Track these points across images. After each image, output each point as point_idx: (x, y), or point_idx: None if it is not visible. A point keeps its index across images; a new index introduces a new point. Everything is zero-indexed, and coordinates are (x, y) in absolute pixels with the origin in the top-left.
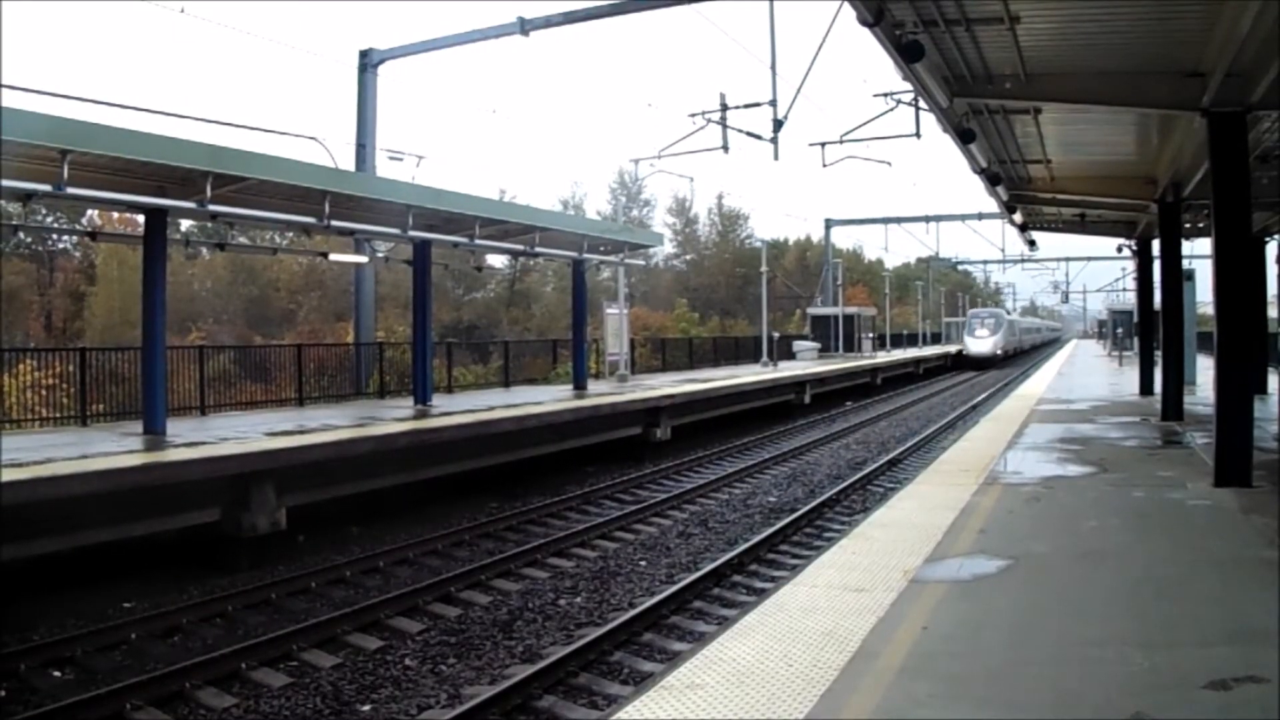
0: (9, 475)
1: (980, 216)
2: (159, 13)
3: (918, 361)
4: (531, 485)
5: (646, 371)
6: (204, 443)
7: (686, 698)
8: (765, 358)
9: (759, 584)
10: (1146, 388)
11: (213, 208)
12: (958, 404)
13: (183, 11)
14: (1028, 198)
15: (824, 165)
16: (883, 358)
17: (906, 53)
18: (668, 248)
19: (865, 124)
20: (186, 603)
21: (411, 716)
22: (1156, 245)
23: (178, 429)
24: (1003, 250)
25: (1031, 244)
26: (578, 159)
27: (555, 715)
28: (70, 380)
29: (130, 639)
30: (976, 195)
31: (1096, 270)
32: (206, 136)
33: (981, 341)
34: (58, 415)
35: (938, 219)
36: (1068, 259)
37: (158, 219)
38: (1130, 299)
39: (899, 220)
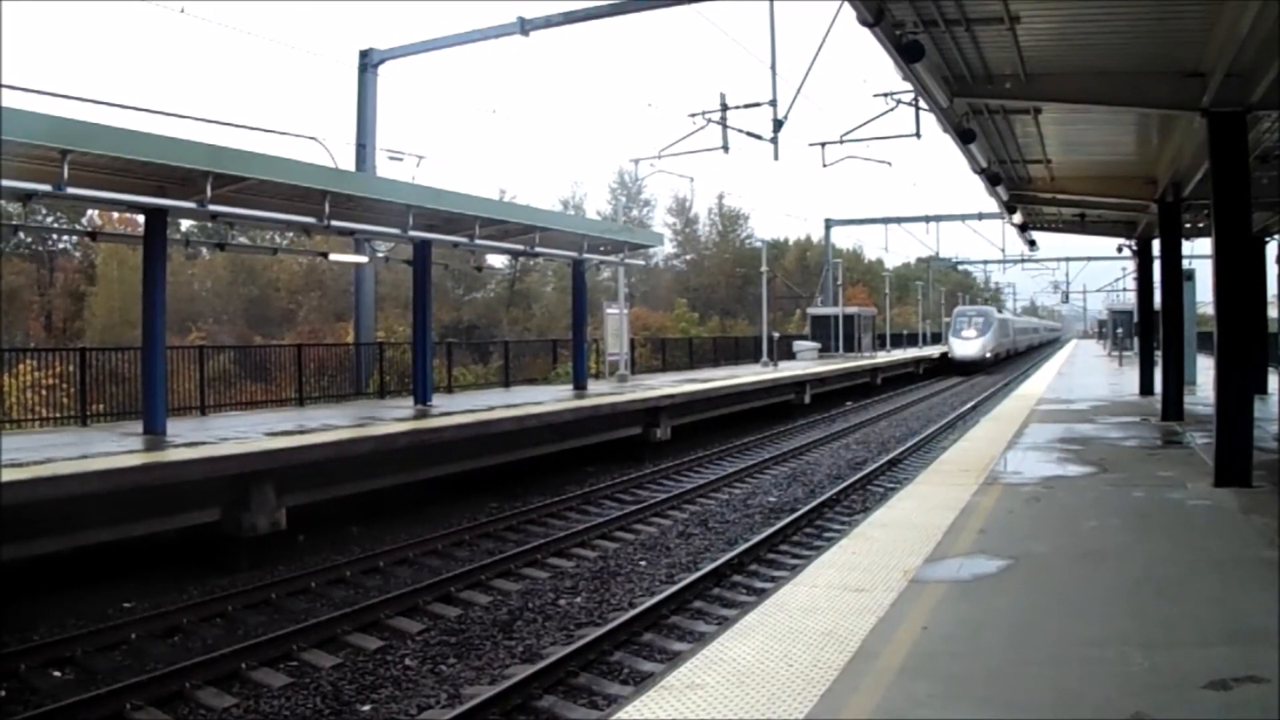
0: (9, 475)
1: (980, 216)
2: (159, 13)
3: (918, 361)
4: (531, 485)
5: (646, 371)
6: (204, 443)
7: (686, 698)
8: (765, 358)
9: (759, 584)
10: (1146, 388)
11: (213, 208)
12: (958, 404)
13: (183, 11)
14: (1028, 198)
15: (824, 165)
16: (883, 358)
17: (906, 53)
18: (668, 248)
19: (865, 124)
20: (186, 603)
21: (411, 716)
22: (1156, 245)
23: (178, 429)
24: (1003, 250)
25: (1031, 244)
26: (578, 159)
27: (555, 715)
28: (70, 380)
29: (130, 639)
30: (976, 195)
31: (1096, 270)
32: (206, 136)
33: (968, 343)
34: (58, 415)
35: (938, 219)
36: (1068, 259)
37: (158, 219)
38: (1130, 299)
39: (899, 220)
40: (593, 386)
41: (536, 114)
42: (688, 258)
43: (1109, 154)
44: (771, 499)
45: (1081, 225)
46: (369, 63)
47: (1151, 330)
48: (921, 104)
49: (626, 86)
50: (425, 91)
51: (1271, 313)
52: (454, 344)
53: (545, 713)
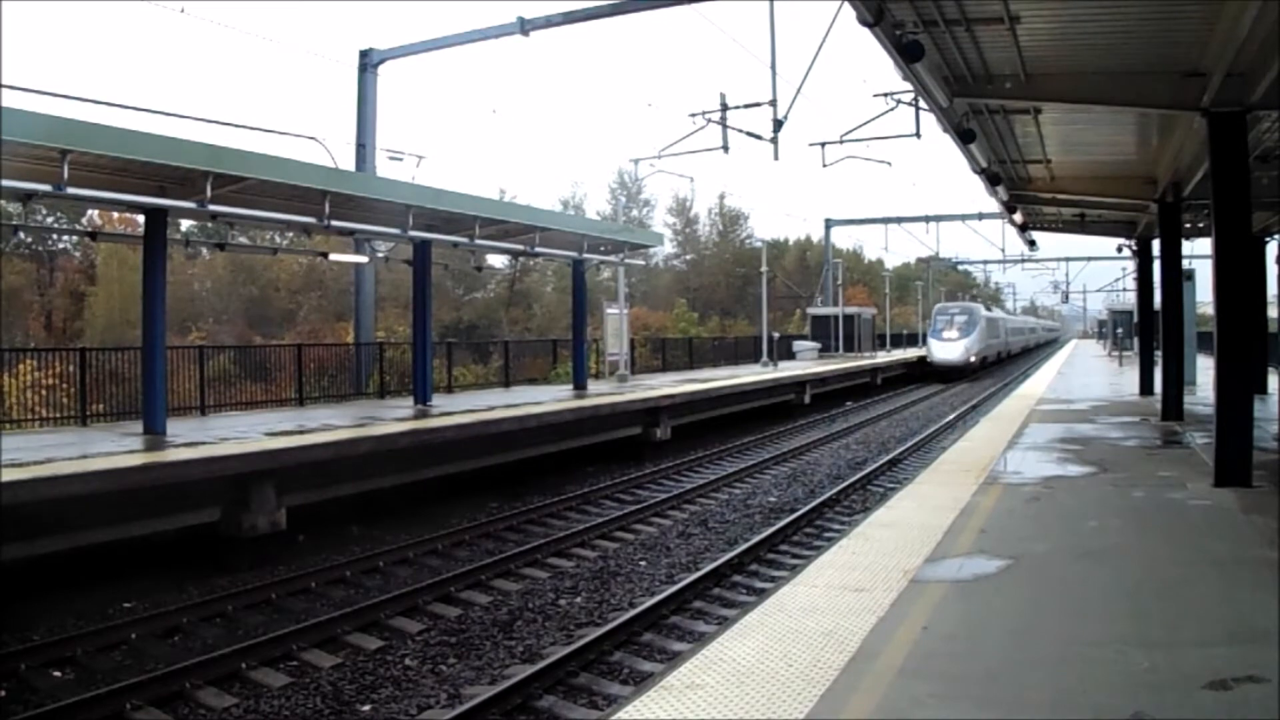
0: (9, 475)
1: (980, 216)
2: (159, 13)
3: (920, 360)
4: (531, 485)
5: (646, 371)
6: (204, 443)
7: (686, 698)
8: (765, 358)
9: (759, 584)
10: (1146, 388)
11: (213, 208)
12: (958, 404)
13: (183, 11)
14: (1028, 198)
15: (824, 165)
16: (883, 358)
17: (906, 53)
18: (668, 248)
19: (865, 124)
20: (186, 603)
21: (411, 716)
22: (1156, 245)
23: (178, 429)
24: (1003, 250)
25: (1031, 244)
26: (578, 159)
27: (555, 715)
28: (70, 380)
29: (130, 639)
30: (976, 195)
31: (1096, 270)
32: (206, 136)
33: (949, 345)
34: (58, 415)
35: (938, 219)
36: (1068, 259)
37: (158, 219)
38: (1130, 299)
39: (899, 220)
40: (593, 386)
41: (536, 114)
42: (688, 258)
43: (1109, 154)
44: (771, 499)
45: (1081, 225)
46: (369, 63)
47: (1151, 330)
48: (921, 104)
49: (626, 86)
50: (425, 91)
51: (1271, 313)
52: (454, 344)
53: (545, 713)
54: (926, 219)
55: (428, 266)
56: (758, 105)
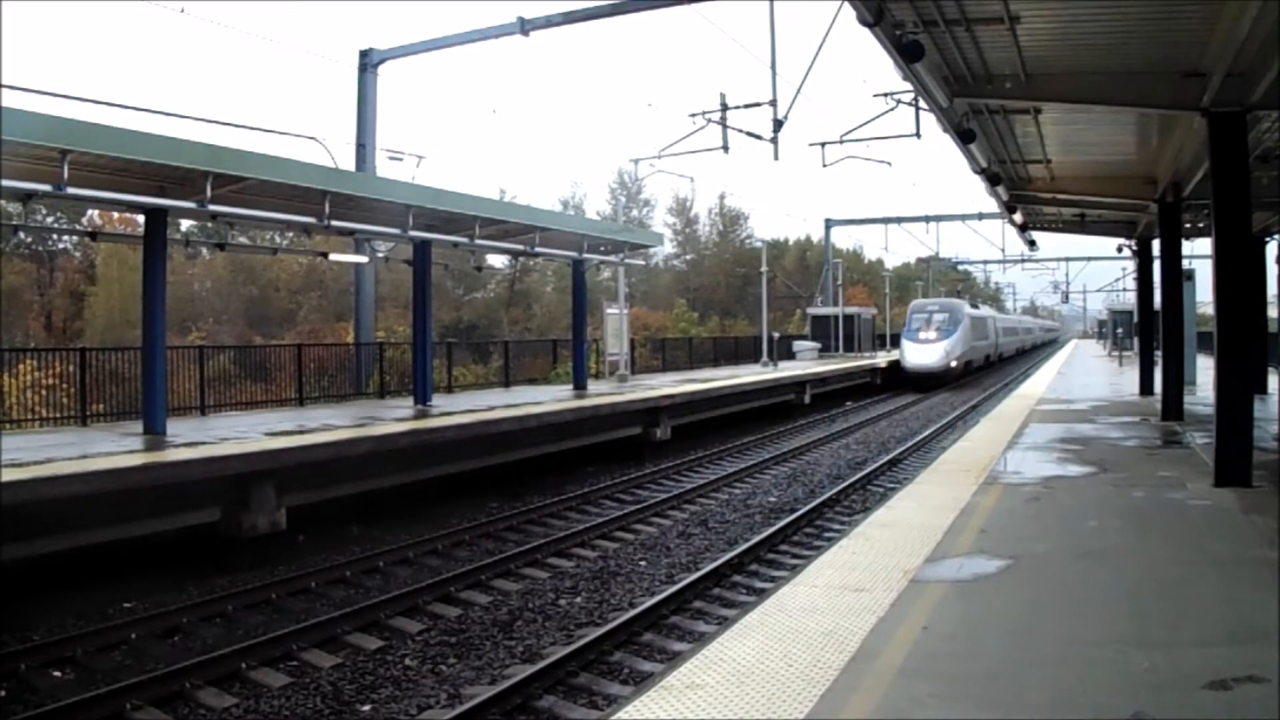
0: (9, 475)
1: (980, 216)
2: (159, 13)
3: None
4: (531, 485)
5: (646, 371)
6: (204, 443)
7: (686, 698)
8: (765, 358)
9: (759, 584)
10: (1146, 388)
11: (213, 208)
12: (958, 404)
13: (183, 11)
14: (1028, 198)
15: (824, 165)
16: (883, 357)
17: (906, 53)
18: (668, 248)
19: (865, 124)
20: (186, 603)
21: (411, 716)
22: (1156, 245)
23: (178, 429)
24: (1003, 250)
25: (1031, 244)
26: (578, 159)
27: (555, 715)
28: (70, 380)
29: (130, 639)
30: (976, 195)
31: (1096, 270)
32: (206, 136)
33: (925, 348)
34: (58, 415)
35: (938, 219)
36: (1068, 259)
37: (158, 219)
38: (1130, 299)
39: (899, 220)
40: (593, 386)
41: (536, 114)
42: (688, 258)
43: (1109, 154)
44: (771, 499)
45: (1081, 225)
46: (369, 63)
47: (1151, 330)
48: (921, 104)
49: (626, 86)
50: (425, 91)
51: (1271, 313)
52: (454, 344)
53: (545, 713)
54: (926, 219)
55: (428, 266)
56: (758, 105)
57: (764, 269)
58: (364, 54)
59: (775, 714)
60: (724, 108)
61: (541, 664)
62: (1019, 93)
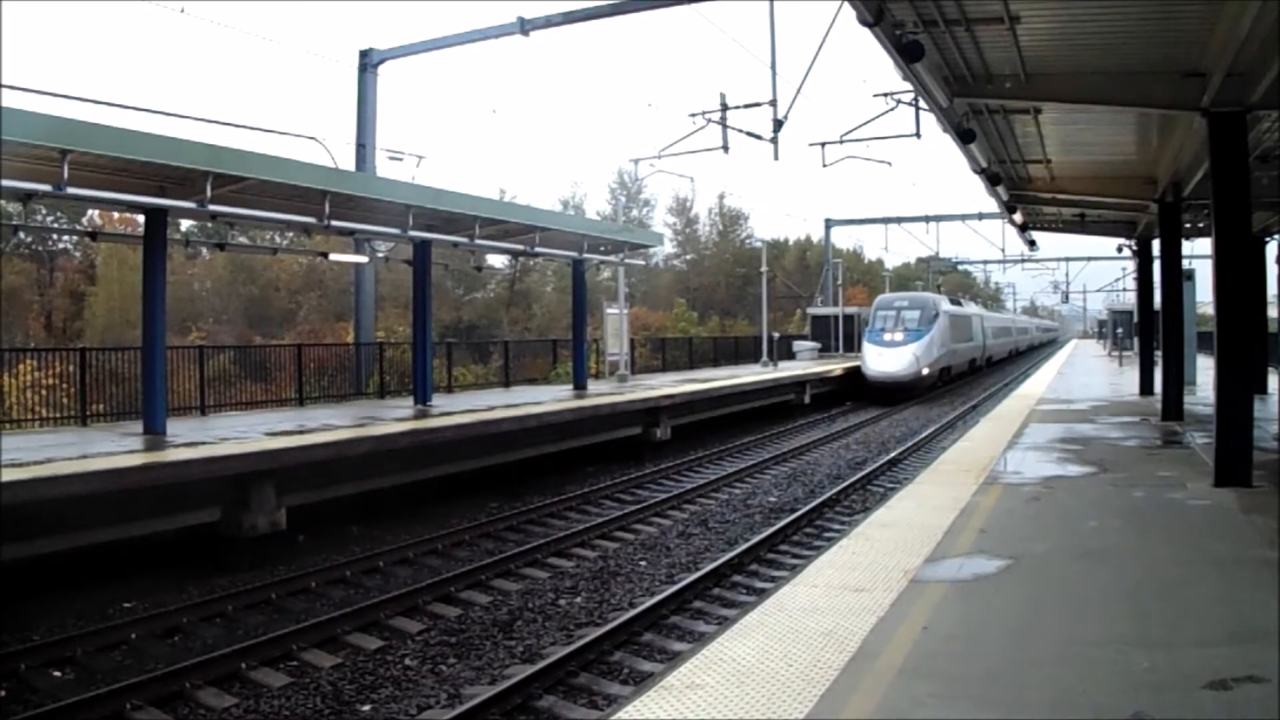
0: (9, 475)
1: (980, 216)
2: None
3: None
4: (531, 485)
5: (646, 371)
6: (204, 443)
7: (686, 698)
8: (765, 358)
9: (759, 584)
10: (1146, 388)
11: (213, 208)
12: (958, 404)
13: (183, 11)
14: (1028, 198)
15: (824, 165)
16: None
17: (906, 53)
18: (668, 248)
19: (865, 124)
20: (186, 603)
21: (411, 716)
22: (1156, 245)
23: (178, 429)
24: (1003, 250)
25: (1031, 244)
26: (578, 159)
27: (555, 715)
28: (70, 380)
29: (130, 639)
30: (976, 195)
31: (1096, 270)
32: (206, 136)
33: (890, 353)
34: (58, 415)
35: (938, 219)
36: (1068, 259)
37: (158, 219)
38: (1130, 299)
39: (899, 220)
40: (593, 386)
41: (536, 114)
42: (688, 258)
43: (1109, 154)
44: (771, 499)
45: (1081, 225)
46: (369, 63)
47: (1151, 330)
48: (921, 104)
49: (626, 86)
50: (425, 91)
51: (1271, 313)
52: (454, 344)
53: (545, 713)
54: (926, 219)
55: (428, 266)
56: (758, 105)
57: (764, 269)
58: (364, 54)
59: (775, 714)
60: (724, 108)
61: (541, 664)
62: (1019, 93)
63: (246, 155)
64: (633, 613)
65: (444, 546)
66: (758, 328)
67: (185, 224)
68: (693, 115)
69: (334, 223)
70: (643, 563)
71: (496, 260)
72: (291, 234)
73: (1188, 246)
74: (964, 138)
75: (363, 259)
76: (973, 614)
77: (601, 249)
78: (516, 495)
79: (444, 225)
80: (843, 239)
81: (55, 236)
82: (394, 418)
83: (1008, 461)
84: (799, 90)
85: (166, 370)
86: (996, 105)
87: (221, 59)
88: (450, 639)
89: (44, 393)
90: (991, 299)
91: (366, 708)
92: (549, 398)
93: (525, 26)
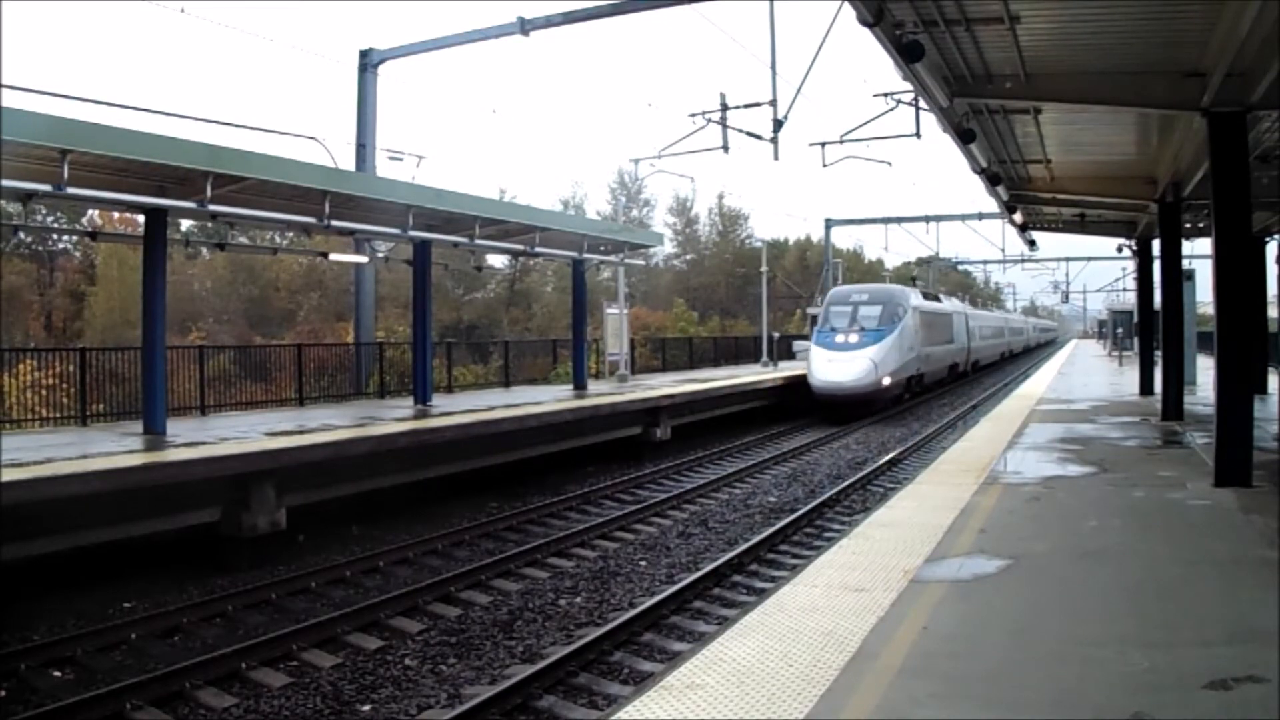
0: (9, 475)
1: (980, 216)
2: (159, 13)
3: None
4: (531, 485)
5: (646, 371)
6: (204, 443)
7: (686, 698)
8: (765, 357)
9: (759, 584)
10: (1146, 388)
11: (213, 208)
12: (958, 404)
13: (183, 11)
14: (1028, 198)
15: (824, 165)
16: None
17: (906, 53)
18: (668, 248)
19: (865, 124)
20: (186, 603)
21: (411, 716)
22: (1156, 245)
23: (178, 429)
24: (1003, 250)
25: (1031, 244)
26: (578, 159)
27: (555, 715)
28: (70, 380)
29: (130, 639)
30: (976, 195)
31: (1097, 270)
32: (206, 136)
33: (842, 359)
34: (58, 415)
35: (938, 219)
36: (1068, 259)
37: (158, 219)
38: (1130, 299)
39: (899, 220)
40: (593, 386)
41: (536, 114)
42: (688, 258)
43: (1109, 154)
44: (771, 499)
45: (1081, 225)
46: (369, 63)
47: (1151, 330)
48: (921, 104)
49: (626, 86)
50: (425, 91)
51: (1271, 313)
52: (454, 344)
53: (545, 713)
54: (926, 219)
55: (428, 266)
56: (758, 105)
57: (764, 269)
58: (364, 54)
59: (775, 714)
60: (724, 108)
61: (541, 664)
62: (1019, 93)
63: (246, 155)
64: (633, 613)
65: (444, 546)
66: (758, 328)
67: (185, 224)
68: (693, 115)
69: (334, 223)
70: (643, 563)
71: (496, 260)
72: (291, 234)
73: (1188, 246)
74: (964, 138)
75: (363, 259)
76: (973, 614)
77: (601, 249)
78: (516, 495)
79: (444, 225)
80: (843, 239)
81: (55, 236)
82: (394, 418)
83: (1008, 461)
84: (799, 90)
85: (166, 370)
86: (996, 105)
87: (221, 59)
88: (450, 639)
89: (44, 393)
90: (992, 299)
91: (366, 708)
92: (549, 398)
93: (525, 26)
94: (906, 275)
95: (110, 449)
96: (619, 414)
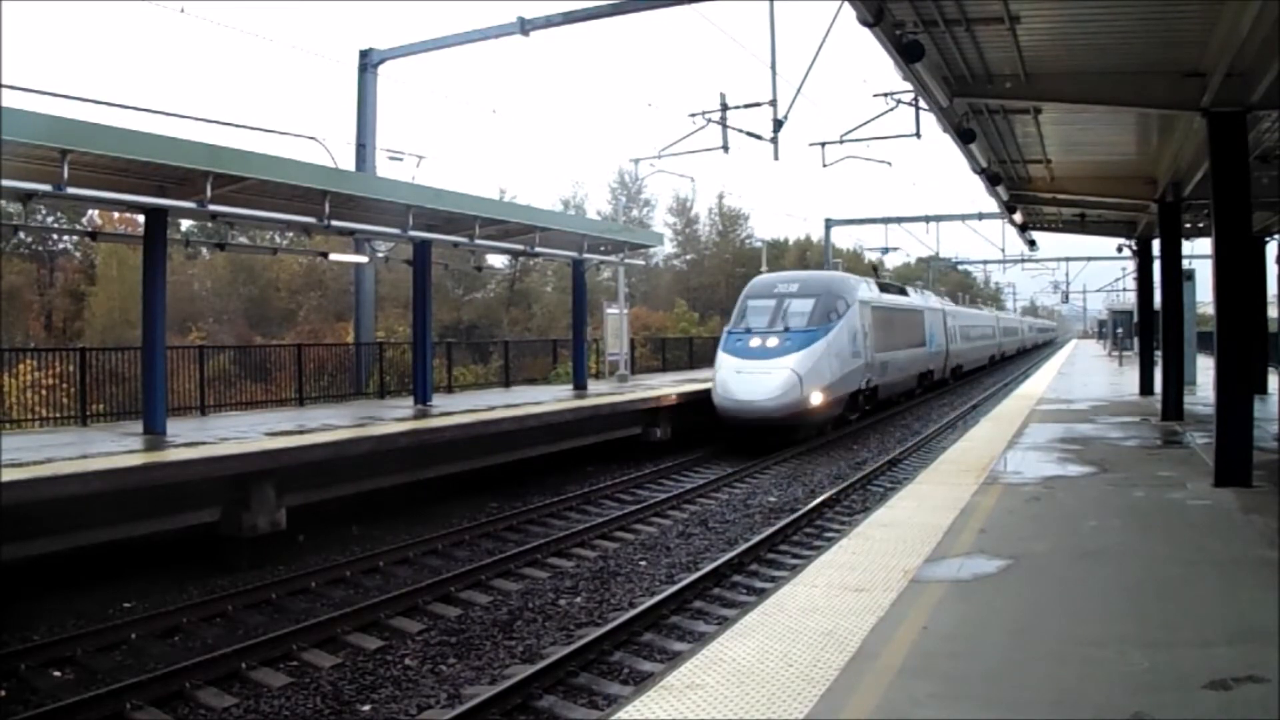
0: (9, 475)
1: (980, 216)
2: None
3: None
4: (531, 485)
5: (646, 371)
6: (204, 443)
7: (686, 698)
8: None
9: (759, 584)
10: (1146, 388)
11: (213, 208)
12: (958, 404)
13: (183, 11)
14: (1028, 198)
15: (824, 165)
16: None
17: (906, 53)
18: (668, 248)
19: (865, 124)
20: (186, 603)
21: (411, 716)
22: (1156, 245)
23: (178, 429)
24: (1003, 250)
25: (1031, 244)
26: (578, 159)
27: (555, 715)
28: (70, 380)
29: (130, 639)
30: (976, 195)
31: (1097, 270)
32: (206, 136)
33: (755, 371)
34: (58, 415)
35: (938, 219)
36: (1068, 259)
37: (158, 219)
38: (1130, 299)
39: (899, 220)
40: (593, 386)
41: (536, 114)
42: (688, 258)
43: (1109, 154)
44: (771, 499)
45: (1081, 225)
46: (369, 63)
47: (1151, 330)
48: (921, 104)
49: (626, 86)
50: (425, 91)
51: (1271, 313)
52: (454, 344)
53: (545, 713)
54: (926, 219)
55: (428, 266)
56: (758, 105)
57: (764, 269)
58: (364, 54)
59: (775, 714)
60: (724, 108)
61: (541, 664)
62: (1019, 93)
63: (246, 155)
64: (633, 613)
65: (444, 546)
66: None
67: (185, 224)
68: (693, 115)
69: (334, 223)
70: (643, 563)
71: (496, 260)
72: (291, 234)
73: (1188, 246)
74: (964, 138)
75: (363, 259)
76: (973, 614)
77: (601, 249)
78: (516, 495)
79: (444, 225)
80: (843, 239)
81: (55, 236)
82: (394, 418)
83: (1008, 461)
84: (799, 90)
85: (166, 370)
86: (996, 105)
87: (221, 59)
88: (450, 639)
89: (44, 393)
90: (992, 299)
91: (366, 708)
92: (549, 398)
93: (525, 26)
94: (909, 276)
95: (110, 449)
96: (619, 414)
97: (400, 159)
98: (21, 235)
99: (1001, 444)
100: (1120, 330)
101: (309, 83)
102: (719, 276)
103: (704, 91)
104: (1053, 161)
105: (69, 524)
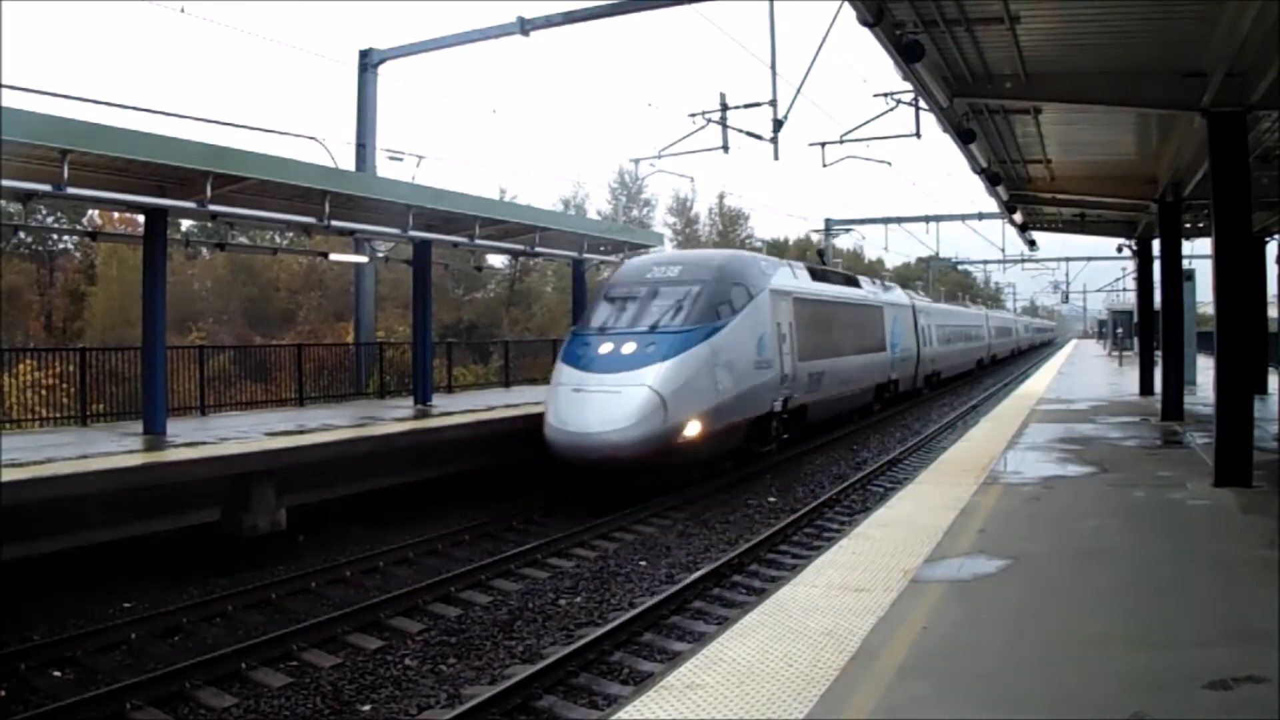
0: (9, 475)
1: (980, 216)
2: (159, 13)
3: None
4: (531, 485)
5: None
6: (204, 443)
7: (686, 698)
8: None
9: (759, 584)
10: (1146, 388)
11: (213, 208)
12: (957, 404)
13: (183, 11)
14: (1028, 198)
15: (824, 165)
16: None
17: (906, 53)
18: (668, 247)
19: (865, 124)
20: (186, 603)
21: (411, 716)
22: (1156, 245)
23: (178, 429)
24: (1003, 250)
25: (1031, 244)
26: (578, 159)
27: (555, 715)
28: (70, 380)
29: (130, 639)
30: (976, 195)
31: (1096, 270)
32: (206, 136)
33: (600, 389)
34: (58, 415)
35: (938, 219)
36: (1068, 259)
37: (158, 219)
38: (1130, 299)
39: (899, 220)
40: None
41: (536, 114)
42: None
43: (1109, 154)
44: (771, 499)
45: (1081, 225)
46: (369, 63)
47: (1151, 330)
48: (921, 104)
49: (626, 86)
50: (425, 91)
51: (1271, 313)
52: (454, 344)
53: (545, 713)
54: (926, 219)
55: (428, 266)
56: (758, 105)
57: None
58: (364, 54)
59: (775, 714)
60: (724, 108)
61: (541, 664)
62: (1019, 93)
63: (246, 155)
64: (633, 613)
65: (444, 546)
66: None
67: (185, 224)
68: (693, 115)
69: (334, 223)
70: (642, 563)
71: (496, 260)
72: (291, 234)
73: (1188, 246)
74: (964, 138)
75: (363, 259)
76: (972, 614)
77: (601, 249)
78: (516, 495)
79: (444, 225)
80: (843, 239)
81: (55, 236)
82: (394, 418)
83: (1008, 461)
84: (799, 90)
85: (166, 370)
86: (996, 105)
87: (221, 59)
88: (450, 639)
89: (44, 393)
90: (992, 299)
91: (366, 708)
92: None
93: (525, 26)
94: (909, 275)
95: (110, 449)
96: None
97: (400, 159)
98: (21, 235)
99: (1001, 444)
100: (1120, 330)
101: (309, 83)
102: None
103: (704, 91)
104: (1053, 161)
105: (69, 524)
